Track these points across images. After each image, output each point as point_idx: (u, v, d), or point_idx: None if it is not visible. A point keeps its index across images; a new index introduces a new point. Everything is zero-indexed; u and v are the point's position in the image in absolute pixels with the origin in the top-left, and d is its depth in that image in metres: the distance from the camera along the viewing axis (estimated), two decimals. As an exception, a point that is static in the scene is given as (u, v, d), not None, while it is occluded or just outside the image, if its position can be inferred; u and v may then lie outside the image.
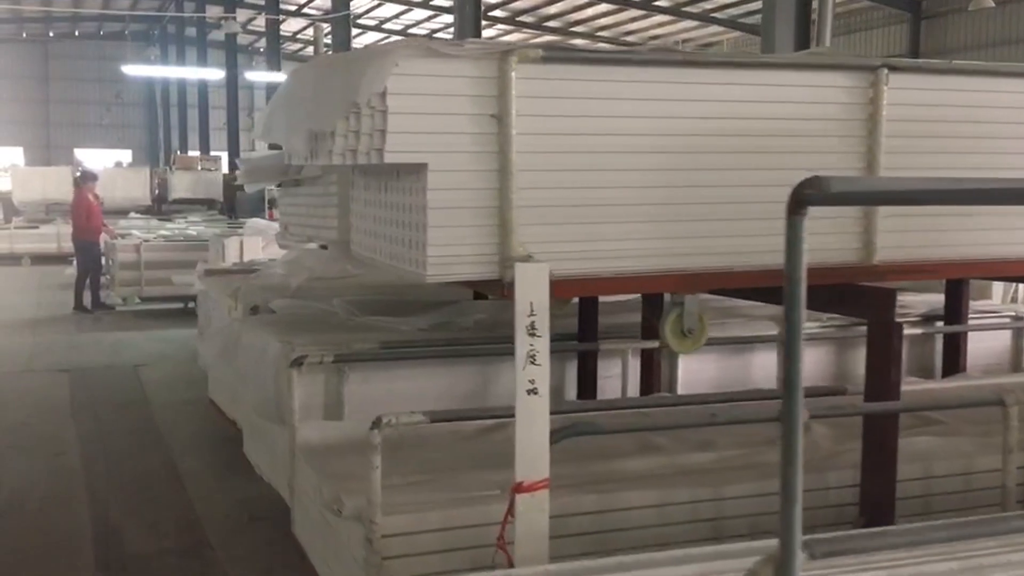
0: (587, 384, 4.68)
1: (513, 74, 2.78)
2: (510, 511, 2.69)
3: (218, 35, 35.38)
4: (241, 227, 17.73)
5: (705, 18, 26.26)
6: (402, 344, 4.36)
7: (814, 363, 5.04)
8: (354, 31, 27.20)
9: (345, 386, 4.19)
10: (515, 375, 2.69)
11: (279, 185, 5.12)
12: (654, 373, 4.69)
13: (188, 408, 7.30)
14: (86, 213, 12.57)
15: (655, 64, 3.09)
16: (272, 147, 5.45)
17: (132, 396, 7.86)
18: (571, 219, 2.95)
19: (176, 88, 39.80)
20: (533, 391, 2.67)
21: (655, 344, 4.51)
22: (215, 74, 28.08)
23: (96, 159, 37.92)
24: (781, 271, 1.54)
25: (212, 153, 32.55)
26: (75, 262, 13.21)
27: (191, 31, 37.41)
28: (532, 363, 2.66)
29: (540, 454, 2.68)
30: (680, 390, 4.71)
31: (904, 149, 3.35)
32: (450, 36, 29.03)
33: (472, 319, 4.64)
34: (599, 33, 29.57)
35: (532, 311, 2.66)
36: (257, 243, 9.45)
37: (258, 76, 26.03)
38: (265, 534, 4.69)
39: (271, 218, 22.57)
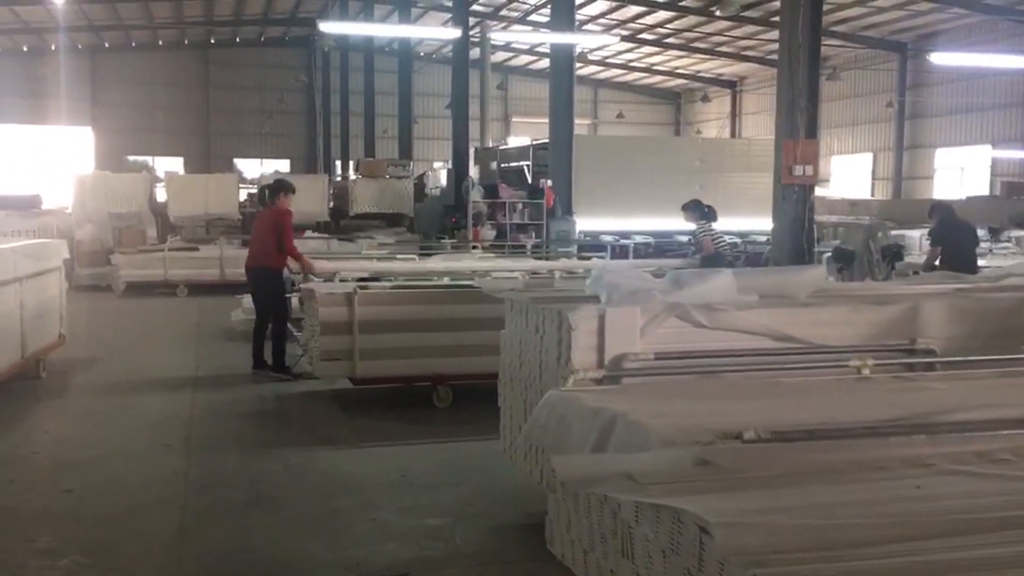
0: None
1: None
2: None
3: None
4: (439, 251, 13.17)
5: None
6: None
7: None
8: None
9: None
10: None
11: None
12: None
13: None
14: (280, 235, 8.53)
15: None
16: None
17: None
18: None
19: (340, 95, 36.66)
20: None
21: None
22: (442, 33, 23.30)
23: (254, 169, 35.25)
24: None
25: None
26: (253, 299, 9.03)
27: (356, 33, 34.07)
28: None
29: None
30: None
31: None
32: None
33: None
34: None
35: None
36: (633, 321, 4.46)
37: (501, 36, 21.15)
38: None
39: (476, 238, 17.80)
